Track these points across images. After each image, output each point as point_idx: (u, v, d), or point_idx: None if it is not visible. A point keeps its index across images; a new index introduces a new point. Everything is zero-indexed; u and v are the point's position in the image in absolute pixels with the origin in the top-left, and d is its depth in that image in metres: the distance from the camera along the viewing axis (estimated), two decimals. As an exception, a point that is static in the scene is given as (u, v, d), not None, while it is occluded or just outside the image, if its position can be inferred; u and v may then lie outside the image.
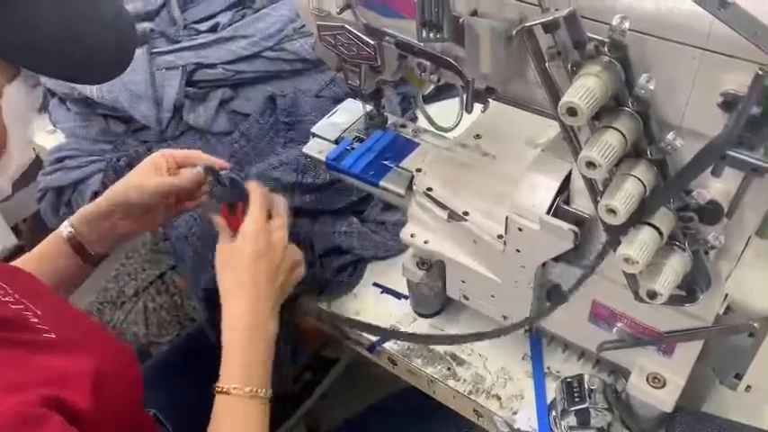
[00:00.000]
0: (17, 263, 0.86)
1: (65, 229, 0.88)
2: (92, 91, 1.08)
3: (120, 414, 0.68)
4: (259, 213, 0.78)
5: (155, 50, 1.11)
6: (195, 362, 1.11)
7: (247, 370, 0.73)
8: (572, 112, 0.48)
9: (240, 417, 0.71)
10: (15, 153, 0.63)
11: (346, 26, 0.68)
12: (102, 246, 0.90)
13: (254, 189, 0.80)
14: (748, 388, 0.68)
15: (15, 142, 0.62)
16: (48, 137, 1.23)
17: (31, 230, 1.91)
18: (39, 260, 0.88)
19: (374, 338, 0.89)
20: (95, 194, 1.07)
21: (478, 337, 0.76)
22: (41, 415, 0.56)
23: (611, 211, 0.52)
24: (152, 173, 0.87)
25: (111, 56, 0.63)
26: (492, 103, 0.74)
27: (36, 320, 0.66)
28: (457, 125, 0.82)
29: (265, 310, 0.76)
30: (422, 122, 0.89)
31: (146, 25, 1.11)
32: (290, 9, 1.11)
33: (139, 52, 1.09)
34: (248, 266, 0.75)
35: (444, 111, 0.84)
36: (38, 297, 0.70)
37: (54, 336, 0.65)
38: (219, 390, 0.72)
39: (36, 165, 1.24)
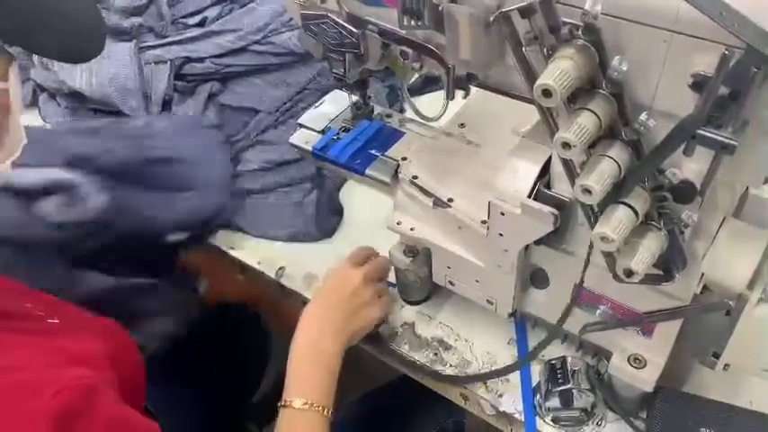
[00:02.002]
0: None
1: None
2: (81, 85, 1.09)
3: (130, 389, 0.70)
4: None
5: (143, 45, 1.11)
6: (186, 357, 1.12)
7: (308, 387, 0.76)
8: (546, 93, 0.50)
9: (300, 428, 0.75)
10: (19, 135, 0.63)
11: (330, 15, 0.69)
12: None
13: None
14: (726, 366, 0.70)
15: (17, 124, 0.63)
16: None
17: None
18: None
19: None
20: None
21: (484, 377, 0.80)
22: (96, 385, 0.57)
23: (587, 190, 0.53)
24: None
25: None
26: (476, 93, 0.76)
27: (36, 311, 0.67)
28: (442, 115, 0.83)
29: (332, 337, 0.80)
30: (408, 113, 0.91)
31: (134, 20, 1.12)
32: (277, 3, 1.12)
33: (128, 47, 1.10)
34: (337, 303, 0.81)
35: (431, 103, 0.86)
36: (29, 293, 0.72)
37: (58, 321, 0.66)
38: (283, 403, 0.75)
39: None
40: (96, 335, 0.68)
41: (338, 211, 1.04)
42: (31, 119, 1.23)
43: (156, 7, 1.12)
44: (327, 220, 1.02)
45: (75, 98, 1.13)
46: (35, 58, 1.18)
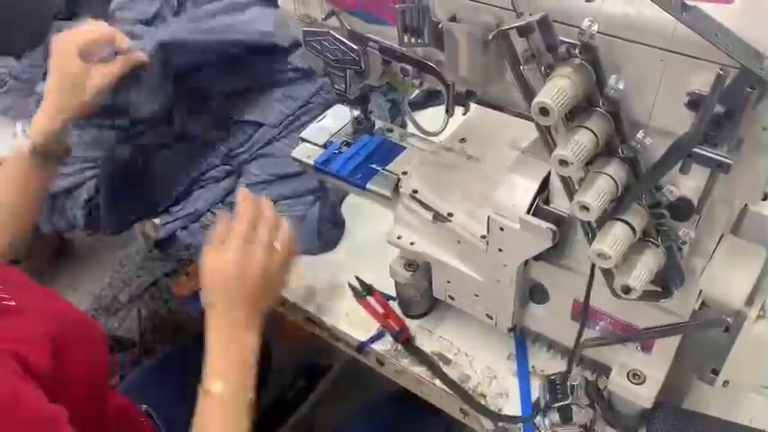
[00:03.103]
0: None
1: (23, 146, 0.91)
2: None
3: (83, 379, 0.70)
4: (245, 227, 0.78)
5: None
6: (189, 367, 1.12)
7: (227, 371, 0.75)
8: (544, 111, 0.50)
9: (218, 415, 0.73)
10: None
11: (331, 32, 0.70)
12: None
13: (243, 199, 0.81)
14: (725, 383, 0.70)
15: None
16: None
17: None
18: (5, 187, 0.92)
19: (362, 338, 0.90)
20: (89, 200, 1.09)
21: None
22: None
23: (584, 207, 0.54)
24: (74, 60, 0.90)
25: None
26: (476, 108, 0.77)
27: None
28: (443, 130, 0.84)
29: (240, 319, 0.77)
30: (410, 127, 0.91)
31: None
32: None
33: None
34: (228, 280, 0.77)
35: (432, 117, 0.86)
36: (2, 274, 0.73)
37: (14, 303, 0.67)
38: (203, 389, 0.73)
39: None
40: (48, 317, 0.69)
41: (340, 225, 1.05)
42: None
43: (161, 19, 1.14)
44: (329, 233, 1.03)
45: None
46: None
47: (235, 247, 0.77)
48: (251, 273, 0.77)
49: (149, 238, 1.46)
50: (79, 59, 0.90)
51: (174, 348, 1.31)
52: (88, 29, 0.93)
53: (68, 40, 0.91)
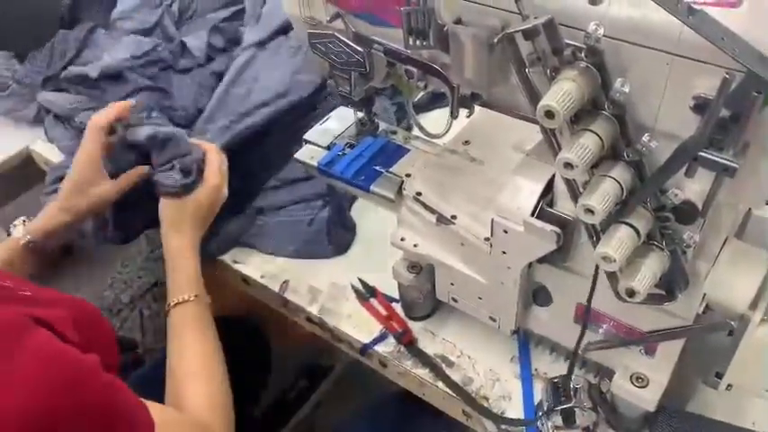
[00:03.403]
0: None
1: (21, 239, 0.91)
2: None
3: (103, 361, 0.71)
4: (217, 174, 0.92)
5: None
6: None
7: (193, 285, 0.87)
8: (549, 114, 0.50)
9: (196, 317, 0.85)
10: None
11: (336, 34, 0.70)
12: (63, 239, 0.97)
13: (210, 149, 0.94)
14: (729, 387, 0.69)
15: None
16: (44, 145, 1.25)
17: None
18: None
19: (364, 340, 0.90)
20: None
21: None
22: (30, 325, 0.59)
23: (589, 210, 0.54)
24: (94, 183, 0.92)
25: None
26: (479, 110, 0.77)
27: (8, 284, 0.70)
28: (447, 132, 0.84)
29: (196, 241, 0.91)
30: (414, 130, 0.91)
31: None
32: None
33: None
34: (194, 216, 0.91)
35: (437, 120, 0.86)
36: (7, 276, 0.74)
37: (29, 293, 0.68)
38: (176, 302, 0.85)
39: (31, 172, 1.26)
40: (64, 307, 0.70)
41: (350, 228, 1.04)
42: (39, 133, 1.24)
43: (162, 30, 1.14)
44: (340, 236, 1.03)
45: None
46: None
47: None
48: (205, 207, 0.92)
49: (151, 240, 1.46)
50: (100, 170, 0.93)
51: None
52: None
53: (91, 148, 0.93)
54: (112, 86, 1.11)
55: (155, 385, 1.12)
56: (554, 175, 0.67)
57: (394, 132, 0.91)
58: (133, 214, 1.00)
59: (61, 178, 1.11)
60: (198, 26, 1.16)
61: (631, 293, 0.58)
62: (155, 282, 1.66)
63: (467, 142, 0.86)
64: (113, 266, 1.74)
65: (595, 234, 0.61)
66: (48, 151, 1.22)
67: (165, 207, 0.91)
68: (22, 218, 0.95)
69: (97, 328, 0.75)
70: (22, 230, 0.92)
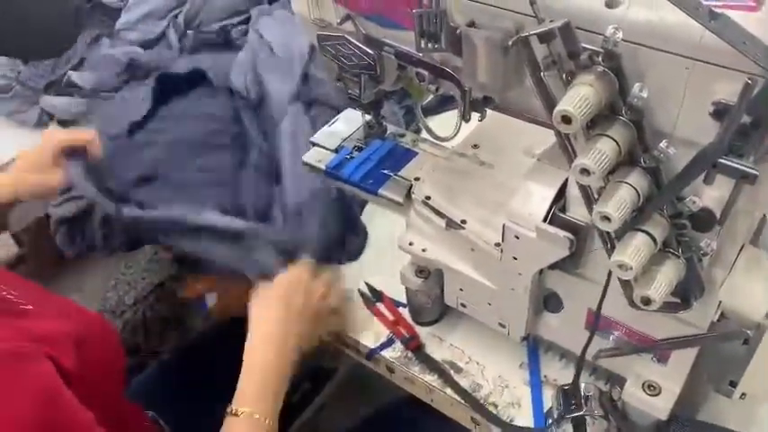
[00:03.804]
0: None
1: None
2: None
3: (103, 378, 0.70)
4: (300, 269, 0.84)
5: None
6: (196, 370, 1.12)
7: (262, 398, 0.76)
8: (566, 119, 0.49)
9: None
10: None
11: (346, 36, 0.69)
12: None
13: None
14: (743, 395, 0.69)
15: None
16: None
17: (33, 239, 1.92)
18: None
19: (371, 345, 0.89)
20: (104, 220, 1.08)
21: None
22: (35, 353, 0.58)
23: (605, 218, 0.53)
24: (46, 167, 0.94)
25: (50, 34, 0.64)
26: (489, 113, 0.76)
27: (11, 296, 0.69)
28: (455, 135, 0.83)
29: (290, 350, 0.79)
30: (424, 133, 0.90)
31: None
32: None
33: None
34: (296, 307, 0.81)
35: (446, 122, 0.85)
36: (15, 282, 0.73)
37: (31, 307, 0.67)
38: (231, 411, 0.74)
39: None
40: (67, 319, 0.70)
41: (361, 234, 1.03)
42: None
43: (166, 40, 1.13)
44: (352, 241, 1.01)
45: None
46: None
47: (297, 272, 0.83)
48: (304, 296, 0.82)
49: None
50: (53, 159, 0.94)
51: (180, 352, 1.30)
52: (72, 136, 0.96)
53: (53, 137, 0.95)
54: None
55: (156, 390, 1.11)
56: (566, 180, 0.66)
57: (402, 135, 0.90)
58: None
59: (65, 190, 1.10)
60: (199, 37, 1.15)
61: (647, 302, 0.57)
62: (158, 283, 1.65)
63: (476, 146, 0.85)
64: (117, 267, 1.73)
65: (609, 241, 0.60)
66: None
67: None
68: None
69: (98, 337, 0.74)
70: None
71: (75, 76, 1.12)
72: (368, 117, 0.88)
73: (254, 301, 0.82)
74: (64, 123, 1.19)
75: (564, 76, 0.53)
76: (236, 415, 0.74)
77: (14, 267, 1.48)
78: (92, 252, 1.12)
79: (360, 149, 0.88)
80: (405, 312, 0.92)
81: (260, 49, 1.09)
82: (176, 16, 1.15)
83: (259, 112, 1.07)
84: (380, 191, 0.83)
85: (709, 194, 0.54)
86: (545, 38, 0.52)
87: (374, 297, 0.94)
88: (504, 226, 0.69)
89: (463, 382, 0.84)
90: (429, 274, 0.83)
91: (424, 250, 0.80)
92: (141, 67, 1.12)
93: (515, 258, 0.71)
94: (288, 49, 1.09)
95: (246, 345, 0.78)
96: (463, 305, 0.83)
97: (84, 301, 1.70)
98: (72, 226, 1.11)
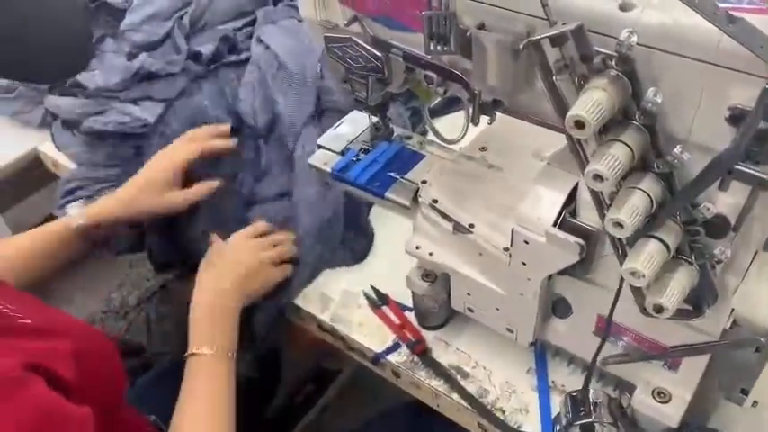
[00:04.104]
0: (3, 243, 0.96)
1: (74, 221, 0.93)
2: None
3: (102, 391, 0.69)
4: (239, 233, 0.95)
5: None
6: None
7: (218, 335, 0.85)
8: (579, 125, 0.48)
9: (209, 372, 0.83)
10: None
11: (354, 38, 0.68)
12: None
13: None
14: (755, 403, 0.68)
15: None
16: (51, 146, 1.23)
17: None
18: (37, 246, 0.95)
19: (376, 349, 0.88)
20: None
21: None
22: (23, 377, 0.57)
23: (618, 224, 0.52)
24: (165, 188, 0.95)
25: (64, 56, 0.63)
26: (498, 115, 0.75)
27: (8, 310, 0.68)
28: (462, 137, 0.82)
29: (227, 290, 0.89)
30: (430, 135, 0.89)
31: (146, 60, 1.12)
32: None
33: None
34: (226, 268, 0.91)
35: (452, 123, 0.84)
36: (13, 295, 0.72)
37: (29, 321, 0.66)
38: (191, 353, 0.83)
39: (39, 174, 1.24)
40: (66, 334, 0.69)
41: (369, 235, 1.02)
42: (47, 135, 1.23)
43: (172, 42, 1.12)
44: (359, 243, 1.01)
45: (94, 134, 1.13)
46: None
47: (235, 236, 0.95)
48: (239, 254, 0.92)
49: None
50: (173, 177, 0.96)
51: (183, 354, 1.30)
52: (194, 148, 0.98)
53: (178, 156, 0.97)
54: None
55: (161, 391, 1.10)
56: (577, 185, 0.65)
57: (409, 138, 0.90)
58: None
59: (71, 191, 1.10)
60: (206, 39, 1.14)
61: (659, 310, 0.56)
62: (162, 284, 1.65)
63: (484, 148, 0.84)
64: (121, 268, 1.73)
65: (621, 247, 0.59)
66: (56, 153, 1.21)
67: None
68: (81, 200, 1.02)
69: (97, 352, 0.73)
70: (77, 213, 0.95)
71: (79, 77, 1.11)
72: (374, 119, 0.87)
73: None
74: (67, 124, 1.18)
75: (576, 80, 0.52)
76: (195, 355, 0.83)
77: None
78: (94, 248, 1.11)
79: (366, 152, 0.87)
80: (411, 316, 0.91)
81: (268, 64, 1.08)
82: (181, 17, 1.14)
83: (268, 139, 1.07)
84: (387, 194, 0.82)
85: (724, 201, 0.53)
86: (557, 41, 0.51)
87: (380, 300, 0.93)
88: (512, 230, 0.68)
89: (470, 388, 0.83)
90: (436, 278, 0.82)
91: (430, 254, 0.79)
92: (149, 75, 1.11)
93: (524, 263, 0.70)
94: (299, 62, 1.08)
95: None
96: (470, 310, 0.82)
97: (88, 302, 1.70)
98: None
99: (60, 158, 1.20)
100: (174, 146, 0.99)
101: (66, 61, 0.64)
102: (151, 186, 0.95)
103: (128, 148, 1.10)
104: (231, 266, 0.91)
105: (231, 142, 1.03)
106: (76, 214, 0.94)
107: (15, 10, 0.58)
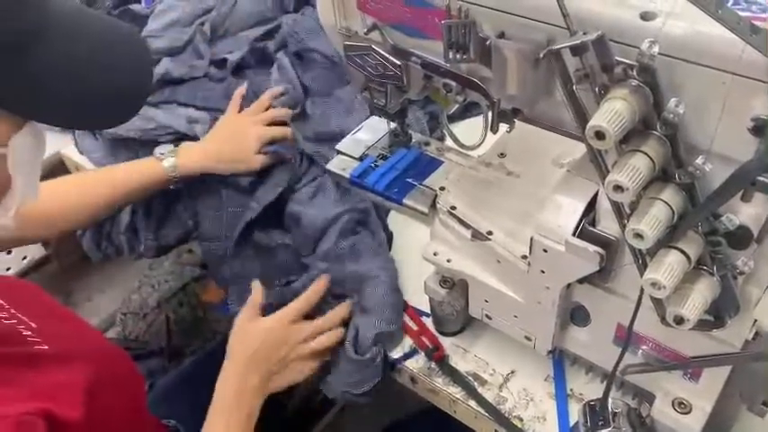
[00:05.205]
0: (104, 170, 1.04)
1: (170, 171, 0.98)
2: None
3: (118, 419, 0.70)
4: (285, 313, 0.88)
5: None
6: (217, 375, 1.12)
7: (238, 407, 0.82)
8: (600, 135, 0.48)
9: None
10: (18, 195, 0.61)
11: (373, 46, 0.68)
12: None
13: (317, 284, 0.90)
14: (777, 415, 0.67)
15: (20, 185, 0.61)
16: (75, 149, 1.24)
17: (58, 240, 1.95)
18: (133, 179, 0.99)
19: (394, 355, 0.89)
20: (129, 225, 1.08)
21: None
22: (25, 422, 0.57)
23: (639, 235, 0.52)
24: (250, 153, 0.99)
25: (124, 103, 0.62)
26: (516, 122, 0.74)
27: (29, 333, 0.68)
28: (481, 144, 0.82)
29: (255, 386, 0.83)
30: (448, 141, 0.89)
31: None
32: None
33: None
34: (259, 355, 0.85)
35: (470, 129, 0.84)
36: (36, 310, 0.72)
37: (47, 347, 0.66)
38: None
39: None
40: (84, 360, 0.69)
41: (387, 239, 1.02)
42: (70, 138, 1.24)
43: (193, 48, 1.13)
44: None
45: (118, 140, 1.14)
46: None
47: (278, 318, 0.87)
48: (278, 347, 0.85)
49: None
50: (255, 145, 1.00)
51: (202, 356, 1.31)
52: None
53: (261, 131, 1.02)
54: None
55: (177, 397, 1.11)
56: (597, 193, 0.65)
57: (427, 144, 0.90)
58: (164, 225, 1.00)
59: None
60: (228, 45, 1.15)
61: (680, 321, 0.56)
62: (182, 285, 1.67)
63: (502, 155, 0.84)
64: (141, 269, 1.75)
65: (641, 257, 0.59)
66: (79, 157, 1.22)
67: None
68: (170, 146, 1.03)
69: (116, 376, 0.74)
70: (170, 164, 0.98)
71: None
72: (392, 125, 0.87)
73: (233, 330, 0.88)
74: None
75: (597, 89, 0.52)
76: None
77: (40, 267, 1.49)
78: (119, 256, 1.13)
79: (384, 158, 0.87)
80: (428, 322, 0.91)
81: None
82: (203, 24, 1.15)
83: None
84: (405, 200, 0.82)
85: (747, 212, 0.53)
86: (578, 51, 0.51)
87: None
88: (531, 239, 0.68)
89: (487, 395, 0.83)
90: (453, 284, 0.82)
91: (448, 261, 0.79)
92: (173, 80, 1.12)
93: (543, 272, 0.69)
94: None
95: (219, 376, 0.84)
96: (488, 317, 0.82)
97: (107, 303, 1.72)
98: (97, 231, 1.12)
99: (83, 162, 1.21)
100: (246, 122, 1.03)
101: (123, 112, 0.63)
102: (234, 135, 0.99)
103: (150, 154, 1.11)
104: (265, 354, 0.84)
105: (288, 131, 1.05)
106: (169, 166, 0.98)
107: (81, 65, 0.57)
